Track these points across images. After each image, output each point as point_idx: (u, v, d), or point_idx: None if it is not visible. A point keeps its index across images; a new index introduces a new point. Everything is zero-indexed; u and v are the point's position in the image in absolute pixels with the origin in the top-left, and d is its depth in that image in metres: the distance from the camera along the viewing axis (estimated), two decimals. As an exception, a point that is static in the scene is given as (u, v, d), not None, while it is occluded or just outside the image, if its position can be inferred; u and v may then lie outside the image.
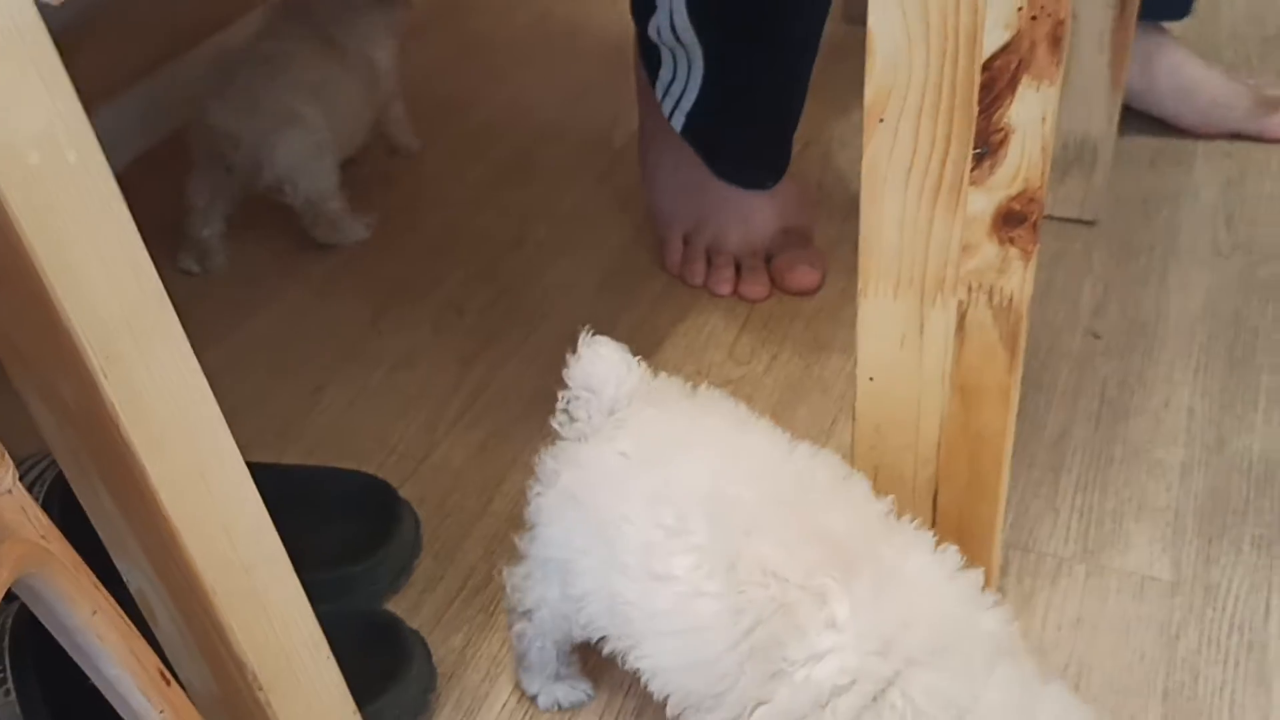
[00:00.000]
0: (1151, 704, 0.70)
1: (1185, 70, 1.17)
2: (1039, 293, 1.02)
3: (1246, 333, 0.96)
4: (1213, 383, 0.92)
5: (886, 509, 0.58)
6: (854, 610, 0.51)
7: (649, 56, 1.04)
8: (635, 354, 0.97)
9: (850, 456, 0.70)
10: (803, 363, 0.97)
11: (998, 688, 0.51)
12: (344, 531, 0.76)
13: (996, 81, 0.55)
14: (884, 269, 0.62)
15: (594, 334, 0.64)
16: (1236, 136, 1.19)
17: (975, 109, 0.56)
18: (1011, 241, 0.60)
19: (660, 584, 0.55)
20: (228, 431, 0.51)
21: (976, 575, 0.55)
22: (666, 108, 1.04)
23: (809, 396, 0.94)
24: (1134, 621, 0.75)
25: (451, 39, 1.45)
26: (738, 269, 1.04)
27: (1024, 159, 0.57)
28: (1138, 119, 1.19)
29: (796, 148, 1.08)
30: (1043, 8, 0.53)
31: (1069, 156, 1.07)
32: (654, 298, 1.04)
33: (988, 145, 0.57)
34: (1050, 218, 1.10)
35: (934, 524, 0.71)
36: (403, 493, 0.84)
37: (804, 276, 1.03)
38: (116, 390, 0.46)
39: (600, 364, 0.63)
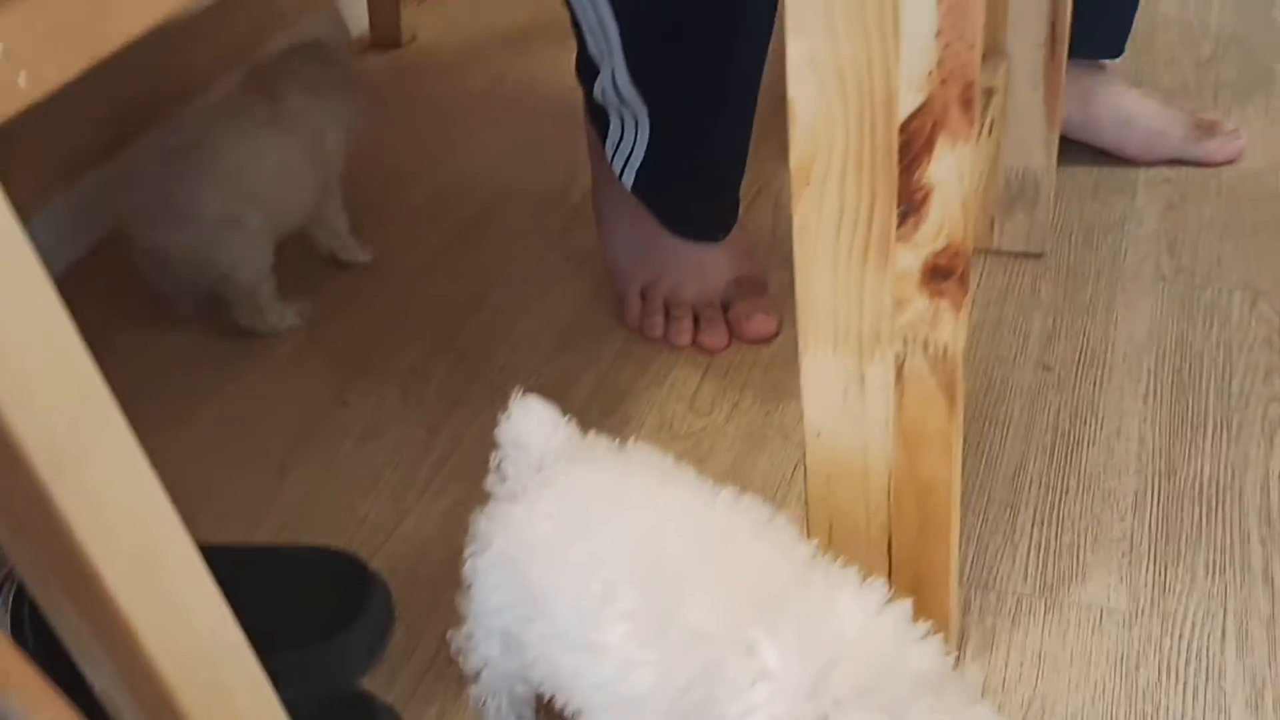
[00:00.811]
0: (1114, 737, 0.71)
1: (1122, 101, 1.20)
2: (990, 328, 1.04)
3: (1192, 357, 0.98)
4: (1161, 409, 0.94)
5: (812, 550, 0.59)
6: (782, 658, 0.52)
7: (597, 116, 1.06)
8: (598, 410, 0.99)
9: (805, 507, 0.72)
10: (763, 410, 0.98)
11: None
12: (313, 609, 0.76)
13: (914, 143, 0.57)
14: (821, 326, 0.64)
15: (525, 393, 0.66)
16: (1176, 162, 1.22)
17: (896, 169, 0.58)
18: (941, 294, 0.61)
19: (598, 654, 0.56)
20: (182, 528, 0.52)
21: (905, 608, 0.56)
22: (617, 166, 1.06)
23: (770, 444, 0.95)
24: (1094, 654, 0.76)
25: (403, 105, 1.47)
26: (696, 320, 1.06)
27: (946, 215, 0.59)
28: (1080, 150, 1.22)
29: (746, 197, 1.10)
30: (952, 71, 0.55)
31: (1012, 192, 1.09)
32: (615, 353, 1.06)
33: (910, 203, 0.59)
34: (998, 252, 1.12)
35: (890, 571, 0.72)
36: (374, 564, 0.84)
37: (761, 325, 1.04)
38: (66, 498, 0.47)
39: (529, 421, 0.64)
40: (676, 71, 0.96)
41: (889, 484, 0.68)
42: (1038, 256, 1.11)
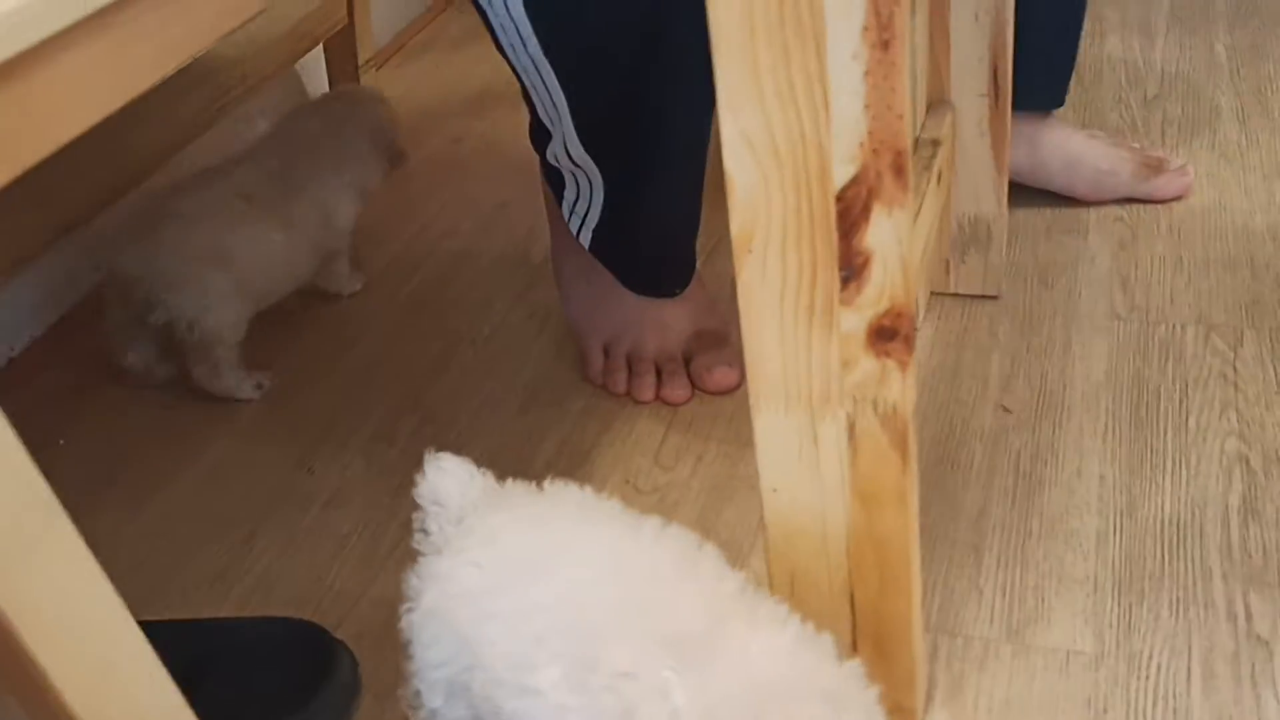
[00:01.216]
0: (1082, 781, 0.72)
1: (1069, 144, 1.23)
2: (948, 371, 1.05)
3: (1149, 394, 1.00)
4: (1120, 447, 0.95)
5: (739, 584, 0.60)
6: (692, 697, 0.53)
7: (552, 179, 1.07)
8: (563, 467, 1.00)
9: (768, 562, 0.72)
10: (728, 462, 0.99)
11: None
12: (277, 682, 0.76)
13: (850, 210, 0.58)
14: (771, 388, 0.65)
15: (439, 452, 0.69)
16: (1127, 200, 1.24)
17: (835, 236, 0.59)
18: (887, 354, 0.62)
19: (533, 699, 0.57)
20: (132, 623, 0.52)
21: (827, 641, 0.57)
22: (574, 226, 1.07)
23: (735, 496, 0.96)
24: (1061, 699, 0.77)
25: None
26: (658, 375, 1.06)
27: (887, 278, 0.60)
28: (1031, 193, 1.24)
29: (704, 251, 1.11)
30: (883, 141, 0.57)
31: (965, 237, 1.11)
32: (578, 411, 1.06)
33: (852, 268, 0.60)
34: (955, 295, 1.14)
35: (854, 623, 0.72)
36: (342, 631, 0.84)
37: (723, 377, 1.05)
38: (9, 599, 0.47)
39: (444, 478, 0.66)
40: (625, 137, 0.97)
41: (847, 540, 0.69)
42: (994, 299, 1.13)
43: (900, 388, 0.63)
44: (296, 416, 1.11)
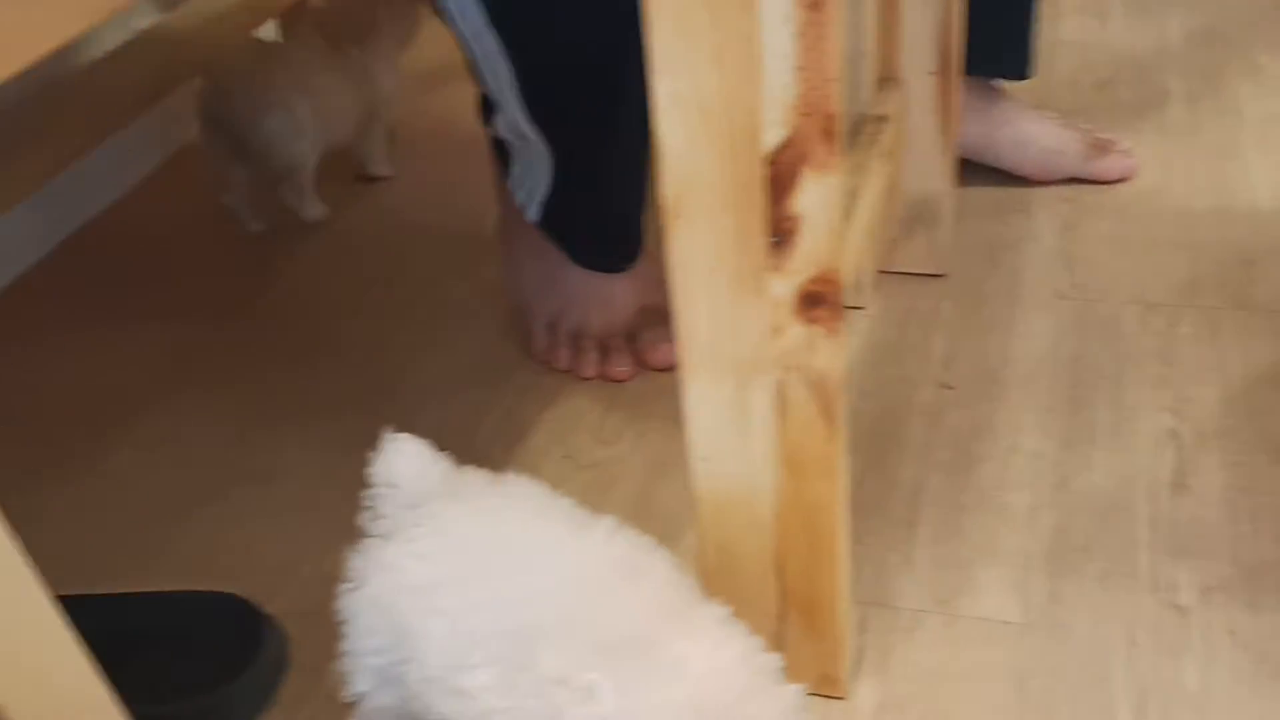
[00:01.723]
0: (1006, 748, 0.73)
1: (1019, 123, 1.23)
2: (892, 348, 1.06)
3: (1087, 371, 1.01)
4: (1056, 423, 0.96)
5: (687, 590, 0.60)
6: (621, 706, 0.53)
7: (500, 153, 1.07)
8: (503, 443, 1.00)
9: (699, 533, 0.73)
10: (670, 438, 0.99)
11: None
12: (205, 656, 0.75)
13: (780, 174, 0.58)
14: (702, 355, 0.65)
15: (397, 431, 0.67)
16: (1074, 181, 1.25)
17: (764, 201, 0.59)
18: (816, 321, 0.63)
19: (465, 700, 0.57)
20: (45, 599, 0.51)
21: (771, 662, 0.58)
22: (521, 200, 1.06)
23: (676, 471, 0.95)
24: (987, 667, 0.78)
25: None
26: (602, 351, 1.06)
27: (816, 244, 0.60)
28: (980, 171, 1.25)
29: (653, 226, 1.11)
30: (813, 104, 0.57)
31: (912, 214, 1.12)
32: (521, 387, 1.06)
33: (781, 233, 0.60)
34: (901, 273, 1.14)
35: (782, 594, 0.73)
36: (275, 607, 0.83)
37: (667, 353, 1.05)
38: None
39: (401, 460, 0.65)
40: (572, 110, 0.97)
41: (776, 509, 0.69)
42: (940, 277, 1.14)
43: (829, 355, 0.63)
44: (234, 391, 1.10)
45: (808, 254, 0.61)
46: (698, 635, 0.56)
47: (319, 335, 1.16)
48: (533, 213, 1.06)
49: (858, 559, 0.86)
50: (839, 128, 0.58)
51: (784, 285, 0.61)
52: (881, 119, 0.99)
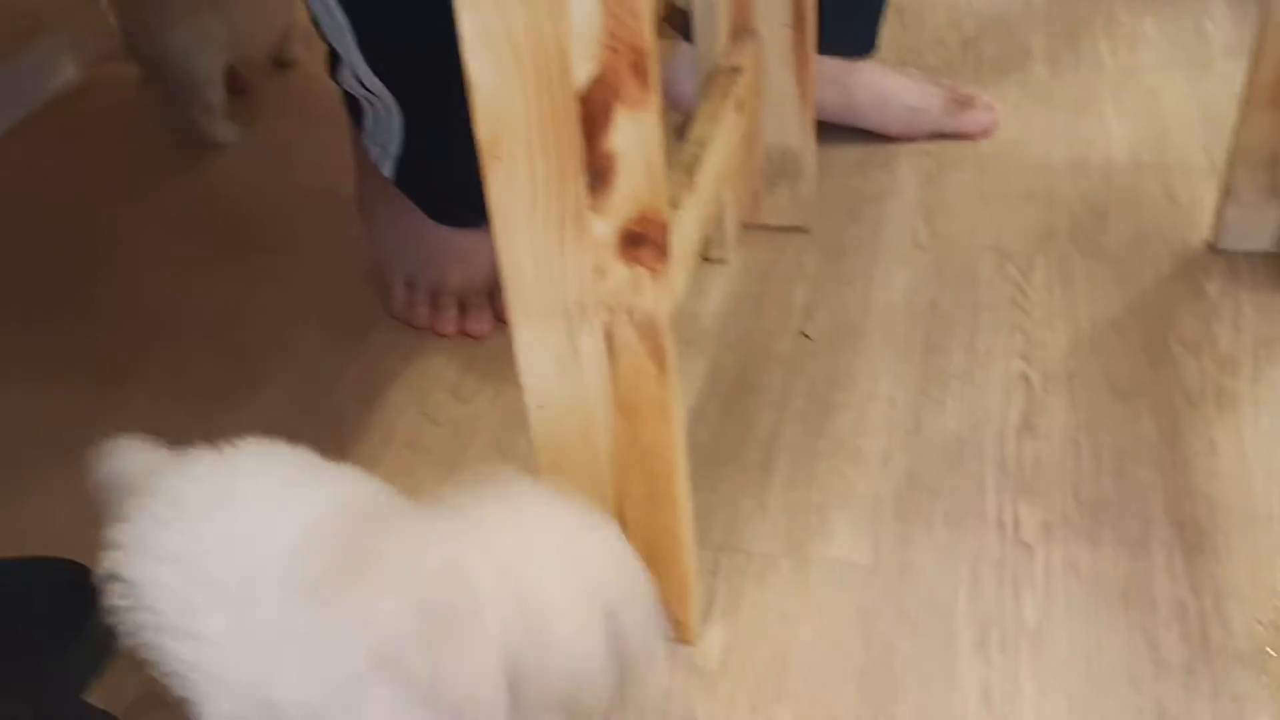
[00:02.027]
0: (846, 686, 0.73)
1: (879, 82, 1.24)
2: (754, 300, 1.06)
3: (941, 319, 1.02)
4: (911, 370, 0.97)
5: (413, 522, 0.59)
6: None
7: (352, 108, 1.04)
8: (360, 401, 0.98)
9: (540, 480, 0.72)
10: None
11: None
12: (35, 621, 0.73)
13: (594, 112, 0.57)
14: (528, 300, 0.64)
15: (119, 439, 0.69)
16: (938, 136, 1.26)
17: (580, 139, 0.58)
18: (639, 261, 0.62)
19: (197, 644, 0.57)
20: None
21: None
22: (376, 156, 1.04)
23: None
24: (835, 608, 0.78)
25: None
26: (461, 307, 1.05)
27: (634, 183, 0.60)
28: (845, 130, 1.25)
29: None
30: (621, 39, 0.56)
31: (773, 168, 1.12)
32: (381, 345, 1.04)
33: (598, 172, 0.59)
34: (764, 227, 1.15)
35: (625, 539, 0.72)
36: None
37: (530, 308, 1.04)
38: None
39: (123, 458, 0.67)
40: (414, 59, 0.95)
41: (612, 453, 0.69)
42: (803, 230, 1.14)
43: (654, 296, 0.63)
44: (83, 361, 1.06)
45: (626, 193, 0.60)
46: (415, 549, 0.56)
47: (173, 302, 1.13)
48: (387, 169, 1.04)
49: (711, 505, 0.87)
50: (651, 63, 0.57)
51: (604, 225, 0.61)
52: (735, 70, 0.99)
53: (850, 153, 1.25)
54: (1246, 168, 0.99)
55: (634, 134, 0.58)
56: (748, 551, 0.83)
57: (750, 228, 1.15)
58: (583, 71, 0.56)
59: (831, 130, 1.24)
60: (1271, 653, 0.73)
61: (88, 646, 0.73)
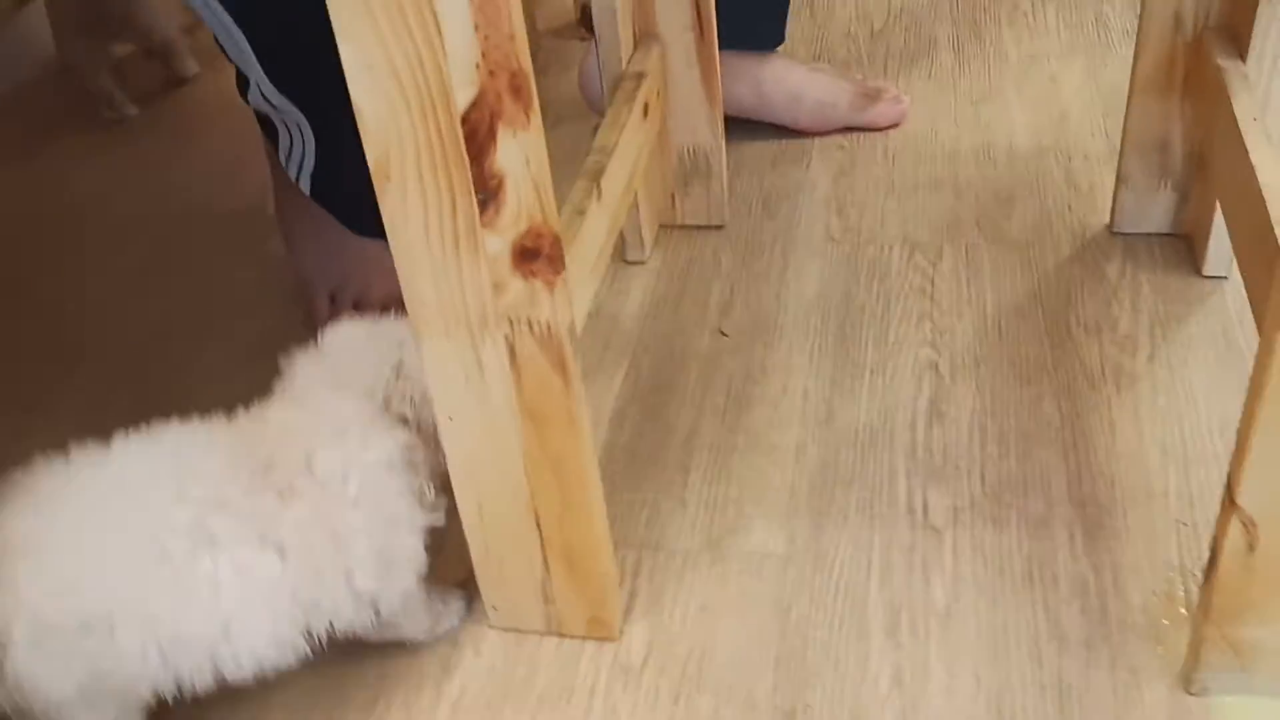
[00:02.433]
0: (764, 674, 0.76)
1: (791, 79, 1.27)
2: (672, 300, 1.08)
3: (854, 311, 1.05)
4: (825, 362, 1.00)
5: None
6: None
7: (266, 127, 1.05)
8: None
9: (455, 492, 0.74)
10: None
11: None
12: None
13: (477, 133, 0.59)
14: (430, 316, 0.65)
15: None
16: (849, 130, 1.29)
17: (467, 160, 0.60)
18: (534, 275, 0.64)
19: None
20: None
21: None
22: (293, 172, 1.05)
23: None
24: (752, 600, 0.81)
25: (91, 128, 1.43)
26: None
27: (522, 200, 0.61)
28: (758, 128, 1.28)
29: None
30: (497, 62, 0.58)
31: (686, 169, 1.14)
32: (304, 361, 1.05)
33: (487, 191, 0.61)
34: (681, 227, 1.16)
35: (543, 546, 0.74)
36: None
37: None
38: None
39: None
40: (316, 73, 0.95)
41: (524, 463, 0.71)
42: (719, 228, 1.16)
43: (551, 307, 0.65)
44: (7, 385, 1.06)
45: (516, 210, 0.62)
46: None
47: (96, 326, 1.13)
48: (304, 184, 1.04)
49: (634, 505, 0.88)
50: (528, 84, 0.59)
51: (498, 242, 0.62)
52: (640, 75, 1.01)
53: (764, 149, 1.27)
54: (1138, 152, 1.02)
55: (518, 152, 0.60)
56: (669, 549, 0.85)
57: (667, 228, 1.17)
58: (463, 96, 0.58)
59: (745, 126, 1.26)
60: (1166, 623, 0.76)
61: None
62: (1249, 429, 0.60)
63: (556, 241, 0.63)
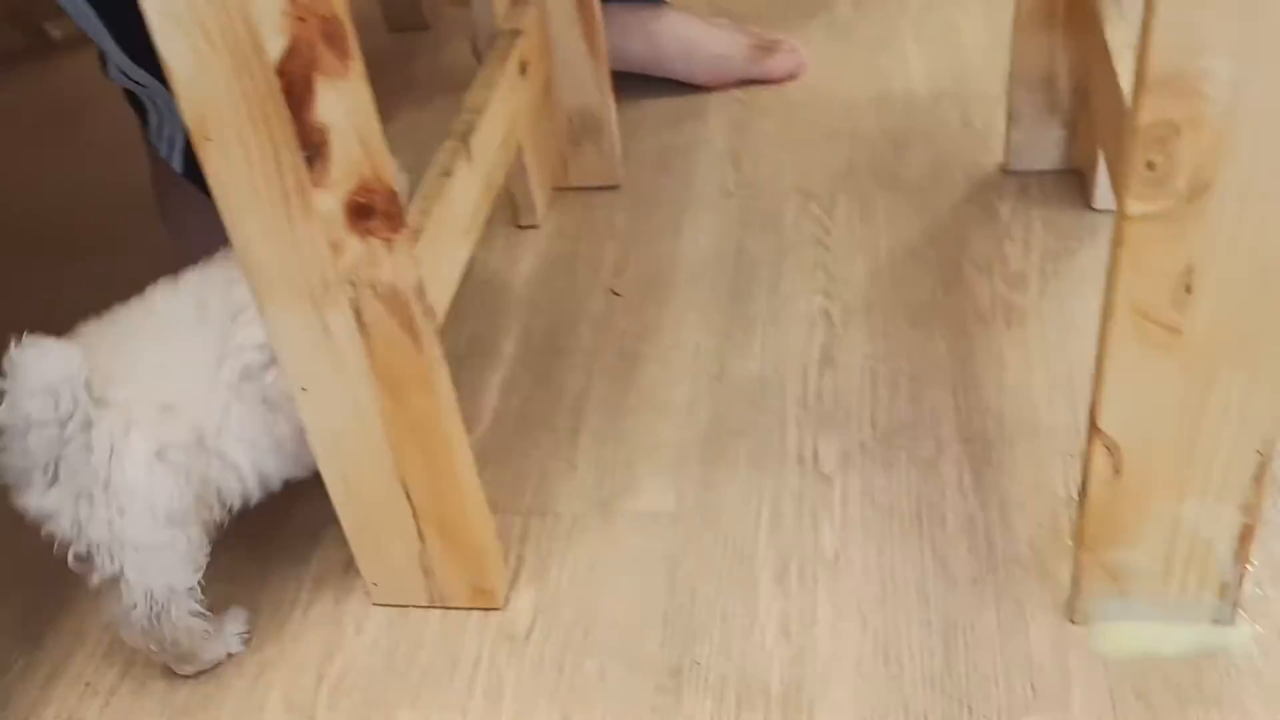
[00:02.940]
0: (652, 632, 0.74)
1: (684, 31, 1.24)
2: (565, 262, 1.06)
3: (747, 265, 1.03)
4: (717, 318, 0.98)
5: None
6: None
7: (134, 105, 1.01)
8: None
9: (320, 466, 0.71)
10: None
11: None
12: None
13: (294, 85, 0.56)
14: (269, 281, 0.63)
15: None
16: (747, 83, 1.27)
17: (287, 114, 0.57)
18: (371, 233, 0.61)
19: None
20: None
21: None
22: (164, 151, 1.02)
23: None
24: (640, 559, 0.79)
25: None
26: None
27: (349, 154, 0.59)
28: (655, 84, 1.25)
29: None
30: (307, 9, 0.55)
31: (576, 130, 1.11)
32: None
33: (312, 146, 0.58)
34: (576, 189, 1.14)
35: (414, 515, 0.72)
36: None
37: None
38: None
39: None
40: None
41: (384, 430, 0.68)
42: (613, 189, 1.14)
43: (392, 267, 0.62)
44: None
45: (344, 165, 0.59)
46: None
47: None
48: (177, 162, 1.01)
49: (523, 471, 0.87)
50: (347, 32, 0.57)
51: (330, 200, 0.60)
52: (515, 33, 0.98)
53: (661, 106, 1.25)
54: (1025, 89, 1.01)
55: (339, 104, 0.58)
56: (557, 513, 0.83)
57: (561, 191, 1.14)
58: (275, 46, 0.55)
59: (642, 83, 1.24)
60: (1050, 556, 0.75)
61: None
62: (1104, 350, 0.59)
63: (391, 197, 0.61)
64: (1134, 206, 0.55)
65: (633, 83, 1.22)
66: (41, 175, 1.30)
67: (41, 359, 0.65)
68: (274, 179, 0.59)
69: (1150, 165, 0.54)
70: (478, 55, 1.03)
